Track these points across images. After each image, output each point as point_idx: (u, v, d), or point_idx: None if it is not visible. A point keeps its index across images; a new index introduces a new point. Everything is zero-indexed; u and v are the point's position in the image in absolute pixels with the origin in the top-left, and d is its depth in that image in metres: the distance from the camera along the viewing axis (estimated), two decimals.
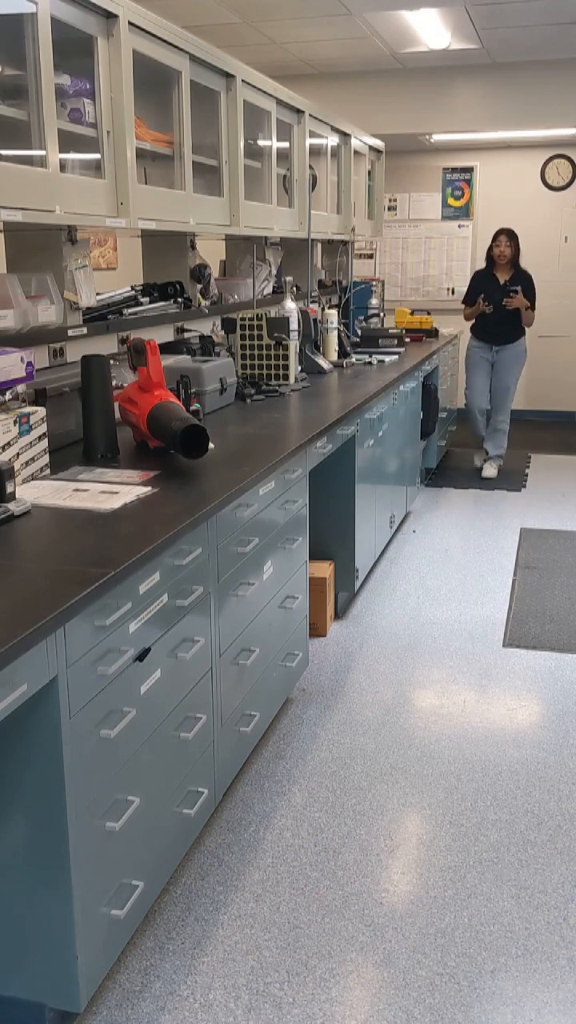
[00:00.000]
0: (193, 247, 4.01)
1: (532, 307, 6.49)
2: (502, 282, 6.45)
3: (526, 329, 6.59)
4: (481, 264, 6.67)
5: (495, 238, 6.46)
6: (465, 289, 6.79)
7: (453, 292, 8.55)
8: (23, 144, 2.56)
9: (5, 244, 3.04)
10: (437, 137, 7.83)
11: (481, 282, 6.55)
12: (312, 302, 5.10)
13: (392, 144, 7.18)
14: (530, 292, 6.47)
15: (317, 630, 3.91)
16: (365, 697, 3.49)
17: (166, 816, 2.23)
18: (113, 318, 3.36)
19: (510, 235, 6.43)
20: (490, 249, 6.49)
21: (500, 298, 6.41)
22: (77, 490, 2.41)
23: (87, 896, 1.87)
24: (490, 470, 6.70)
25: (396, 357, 5.34)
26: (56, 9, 2.55)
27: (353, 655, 3.85)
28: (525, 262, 6.51)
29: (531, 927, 2.31)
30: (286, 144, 4.70)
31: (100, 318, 3.29)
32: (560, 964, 2.19)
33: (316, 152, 5.22)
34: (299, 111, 4.72)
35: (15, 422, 2.40)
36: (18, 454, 2.42)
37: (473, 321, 6.65)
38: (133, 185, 2.97)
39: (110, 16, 2.81)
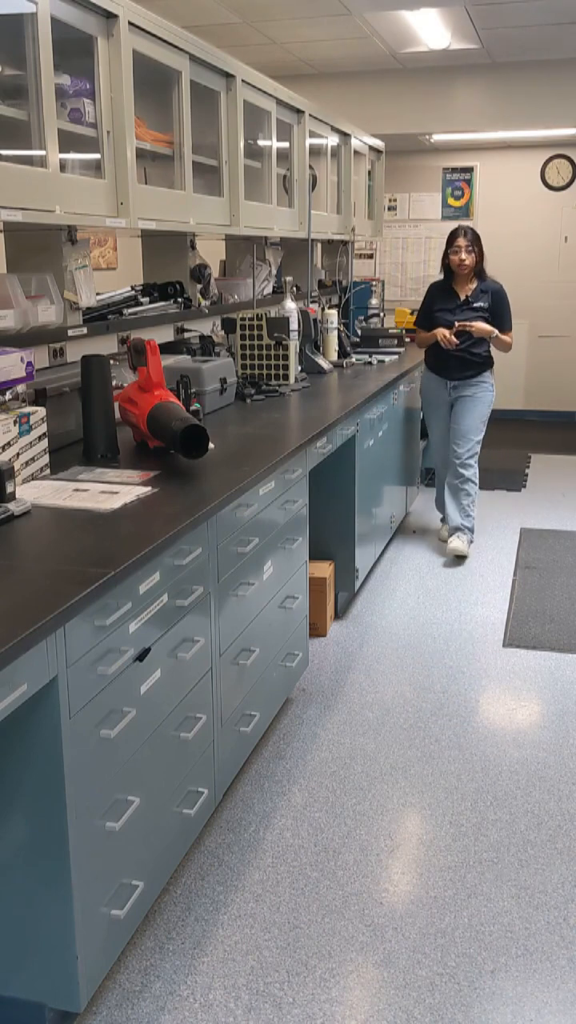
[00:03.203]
0: (193, 247, 4.00)
1: (507, 329, 4.83)
2: (463, 298, 4.83)
3: (494, 359, 4.95)
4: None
5: (451, 241, 4.80)
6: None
7: None
8: (23, 144, 2.56)
9: (5, 244, 3.04)
10: (437, 137, 7.83)
11: (437, 297, 4.92)
12: (312, 302, 5.10)
13: (392, 144, 7.18)
14: (501, 310, 4.82)
15: (317, 630, 3.91)
16: (365, 697, 3.49)
17: (166, 816, 2.23)
18: (113, 318, 3.36)
19: (471, 236, 4.77)
20: (445, 256, 4.84)
21: (461, 319, 4.81)
22: (77, 490, 2.41)
23: (87, 896, 1.87)
24: (458, 543, 4.91)
25: (396, 357, 5.34)
26: (56, 9, 2.55)
27: (353, 655, 3.85)
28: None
29: (531, 927, 2.31)
30: (286, 144, 4.70)
31: (100, 318, 3.29)
32: (560, 964, 2.19)
33: (316, 152, 5.22)
34: (299, 111, 4.72)
35: (15, 422, 2.40)
36: (18, 454, 2.42)
37: (427, 348, 5.05)
38: (133, 185, 2.97)
39: (110, 16, 2.81)
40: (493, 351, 4.93)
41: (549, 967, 2.18)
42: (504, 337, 4.83)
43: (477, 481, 4.98)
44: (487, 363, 4.91)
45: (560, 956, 2.22)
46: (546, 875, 2.50)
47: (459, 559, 4.90)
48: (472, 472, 4.95)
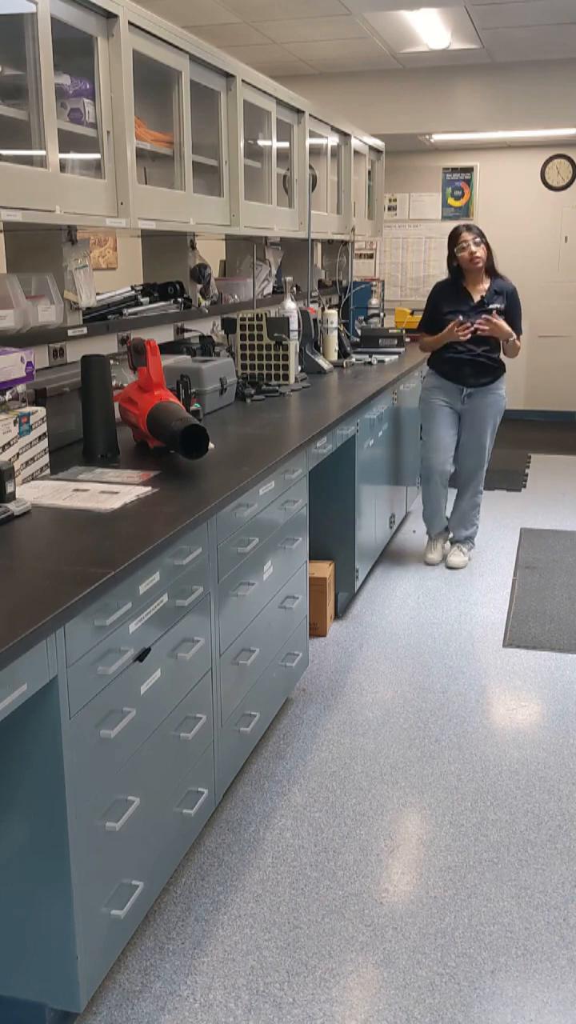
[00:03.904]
0: (193, 247, 4.01)
1: (519, 332, 4.54)
2: (477, 298, 4.50)
3: (506, 365, 4.66)
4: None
5: (455, 238, 4.47)
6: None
7: None
8: (23, 144, 2.56)
9: (5, 244, 3.04)
10: (437, 137, 7.83)
11: (446, 298, 4.56)
12: (312, 302, 5.10)
13: (392, 144, 7.18)
14: (515, 313, 4.52)
15: (317, 630, 3.91)
16: (365, 697, 3.49)
17: (166, 816, 2.23)
18: (113, 318, 3.36)
19: (476, 231, 4.47)
20: (452, 257, 4.52)
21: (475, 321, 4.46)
22: (77, 490, 2.41)
23: (87, 896, 1.87)
24: (459, 557, 4.84)
25: (396, 357, 5.34)
26: (56, 9, 2.55)
27: (353, 655, 3.85)
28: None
29: (531, 927, 2.31)
30: (286, 144, 4.70)
31: (100, 318, 3.29)
32: (560, 964, 2.19)
33: (316, 152, 5.22)
34: (299, 111, 4.72)
35: (15, 422, 2.40)
36: (18, 454, 2.42)
37: (431, 353, 4.69)
38: (133, 185, 2.97)
39: (110, 16, 2.81)
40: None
41: (549, 967, 2.18)
42: (517, 341, 4.55)
43: (483, 490, 4.87)
44: (503, 368, 4.62)
45: (560, 956, 2.22)
46: (546, 875, 2.50)
47: (455, 569, 4.82)
48: (482, 481, 4.82)
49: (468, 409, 4.65)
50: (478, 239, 4.43)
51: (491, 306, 4.45)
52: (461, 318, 4.44)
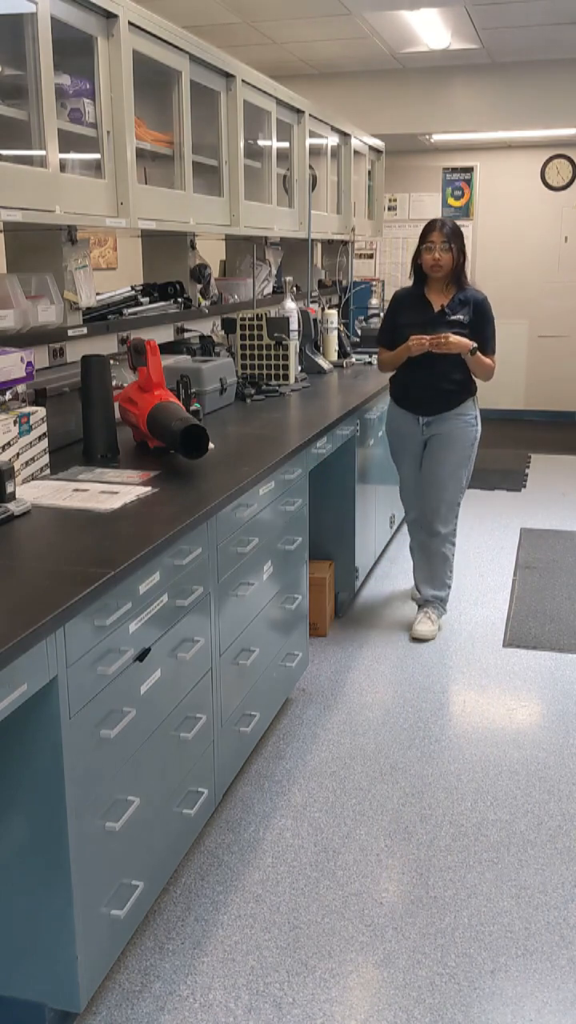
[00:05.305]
0: (193, 247, 4.01)
1: (489, 350, 3.79)
2: (438, 308, 3.78)
3: (477, 386, 3.91)
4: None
5: (424, 235, 3.74)
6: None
7: None
8: (23, 144, 2.56)
9: (5, 244, 3.05)
10: (437, 137, 7.83)
11: (405, 308, 3.88)
12: (312, 302, 5.10)
13: (392, 144, 7.18)
14: (484, 326, 3.77)
15: (317, 630, 3.91)
16: (365, 697, 3.49)
17: (166, 816, 2.23)
18: (113, 318, 3.36)
19: (449, 231, 3.72)
20: (417, 255, 3.79)
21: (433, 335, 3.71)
22: (77, 490, 2.41)
23: (87, 896, 1.87)
24: (426, 626, 3.99)
25: None
26: (56, 9, 2.55)
27: (353, 655, 3.85)
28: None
29: (531, 927, 2.31)
30: (286, 144, 4.70)
31: (100, 318, 3.29)
32: (560, 964, 2.19)
33: (316, 152, 5.22)
34: (299, 111, 4.72)
35: (15, 422, 2.40)
36: (18, 454, 2.42)
37: (393, 373, 3.98)
38: (133, 185, 2.97)
39: (110, 16, 2.81)
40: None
41: (549, 967, 2.18)
42: (486, 359, 3.77)
43: (455, 540, 4.05)
44: (467, 390, 3.86)
45: (560, 956, 2.22)
46: (546, 875, 2.50)
47: (420, 641, 3.98)
48: (451, 530, 3.99)
49: (429, 438, 3.93)
50: (447, 243, 3.70)
51: (452, 317, 3.75)
52: (419, 340, 3.72)
